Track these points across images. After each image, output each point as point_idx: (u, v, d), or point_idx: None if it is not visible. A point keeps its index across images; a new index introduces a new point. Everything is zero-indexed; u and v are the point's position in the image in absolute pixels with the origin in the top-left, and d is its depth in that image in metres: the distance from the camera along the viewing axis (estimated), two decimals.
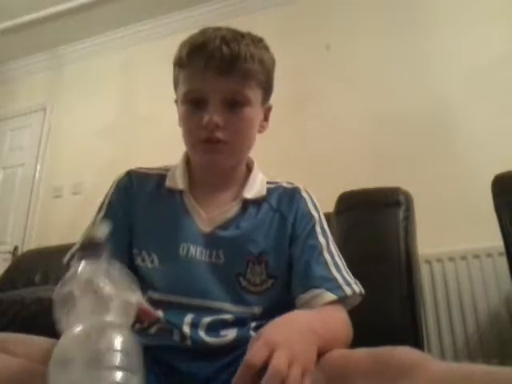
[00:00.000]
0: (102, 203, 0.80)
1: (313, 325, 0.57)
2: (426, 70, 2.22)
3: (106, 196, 0.81)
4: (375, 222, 1.27)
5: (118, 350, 0.37)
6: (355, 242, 1.22)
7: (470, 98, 2.08)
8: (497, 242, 1.28)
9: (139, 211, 0.78)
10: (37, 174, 3.13)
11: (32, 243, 2.87)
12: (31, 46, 3.27)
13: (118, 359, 0.36)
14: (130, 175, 0.82)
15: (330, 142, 2.29)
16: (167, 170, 0.83)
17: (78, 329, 0.38)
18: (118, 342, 0.37)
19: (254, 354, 0.48)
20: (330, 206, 1.30)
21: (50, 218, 2.96)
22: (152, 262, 0.73)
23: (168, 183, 0.79)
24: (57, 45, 3.28)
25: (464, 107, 2.08)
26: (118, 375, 0.35)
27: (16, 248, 2.93)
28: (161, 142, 2.45)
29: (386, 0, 2.42)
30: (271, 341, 0.49)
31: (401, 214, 1.24)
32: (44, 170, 3.14)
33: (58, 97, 3.26)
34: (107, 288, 0.41)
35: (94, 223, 0.77)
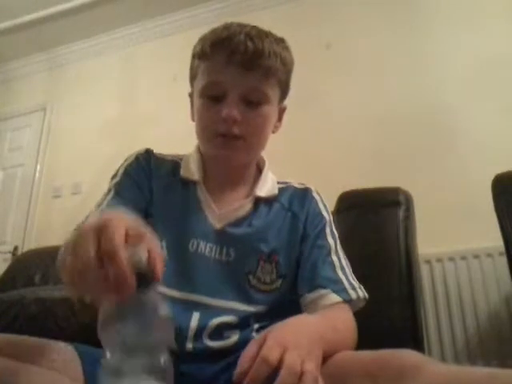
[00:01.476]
0: (116, 172, 0.78)
1: (320, 329, 0.57)
2: (427, 69, 2.22)
3: (121, 165, 0.79)
4: (375, 221, 1.27)
5: None
6: (355, 242, 1.22)
7: (471, 98, 2.08)
8: (497, 242, 1.28)
9: (155, 192, 0.77)
10: (37, 174, 3.13)
11: (32, 243, 2.87)
12: (31, 46, 3.27)
13: None
14: (149, 153, 0.81)
15: (330, 141, 2.29)
16: (180, 158, 0.82)
17: None
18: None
19: (270, 350, 0.47)
20: (330, 206, 1.30)
21: (50, 218, 2.96)
22: (162, 248, 0.71)
23: (183, 172, 0.79)
24: (57, 45, 3.27)
25: (464, 107, 2.08)
26: None
27: (16, 248, 2.93)
28: (160, 142, 2.44)
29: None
30: (282, 340, 0.49)
31: (401, 213, 1.23)
32: (44, 170, 3.14)
33: (58, 97, 3.26)
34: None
35: (109, 189, 0.75)
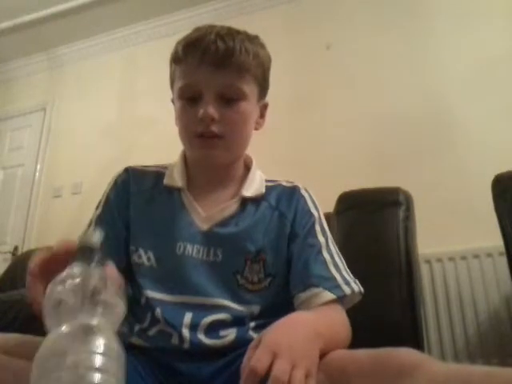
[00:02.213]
0: (100, 200, 0.80)
1: (316, 327, 0.57)
2: (427, 69, 2.22)
3: (105, 193, 0.81)
4: (375, 222, 1.27)
5: (99, 353, 0.38)
6: (355, 242, 1.22)
7: (471, 98, 2.08)
8: (497, 241, 1.28)
9: (137, 208, 0.78)
10: (37, 174, 3.13)
11: (32, 243, 2.87)
12: (31, 46, 3.27)
13: (98, 361, 0.38)
14: (128, 172, 0.82)
15: (330, 141, 2.29)
16: (165, 167, 0.83)
17: (63, 330, 0.40)
18: (100, 344, 0.39)
19: (258, 359, 0.48)
20: (330, 206, 1.30)
21: (50, 218, 2.96)
22: (149, 259, 0.73)
23: (166, 181, 0.79)
24: (57, 45, 3.28)
25: (464, 107, 2.08)
26: (97, 376, 0.37)
27: (16, 248, 2.93)
28: (160, 142, 2.45)
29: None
30: (273, 346, 0.50)
31: (401, 213, 1.24)
32: (44, 170, 3.14)
33: (58, 97, 3.26)
34: (96, 292, 0.43)
35: (91, 220, 0.77)
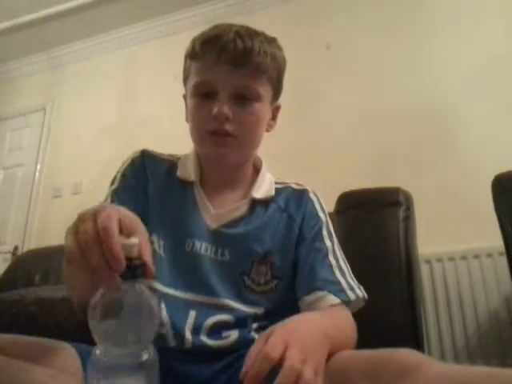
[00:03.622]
0: (115, 177, 0.79)
1: (324, 327, 0.57)
2: (427, 69, 2.22)
3: (119, 171, 0.80)
4: (375, 222, 1.27)
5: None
6: (355, 242, 1.22)
7: (471, 98, 2.08)
8: (497, 241, 1.28)
9: (155, 193, 0.77)
10: (37, 174, 3.13)
11: (32, 243, 2.87)
12: (31, 46, 3.27)
13: None
14: (144, 155, 0.82)
15: (330, 141, 2.29)
16: (177, 158, 0.83)
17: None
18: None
19: (273, 347, 0.47)
20: (330, 206, 1.30)
21: (50, 218, 2.96)
22: (159, 247, 0.73)
23: (179, 173, 0.79)
24: (57, 45, 3.28)
25: (464, 107, 2.08)
26: None
27: (16, 248, 2.93)
28: (160, 142, 2.44)
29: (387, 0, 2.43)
30: (286, 336, 0.49)
31: (401, 213, 1.24)
32: (44, 170, 3.14)
33: (58, 97, 3.26)
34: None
35: (107, 196, 0.76)
